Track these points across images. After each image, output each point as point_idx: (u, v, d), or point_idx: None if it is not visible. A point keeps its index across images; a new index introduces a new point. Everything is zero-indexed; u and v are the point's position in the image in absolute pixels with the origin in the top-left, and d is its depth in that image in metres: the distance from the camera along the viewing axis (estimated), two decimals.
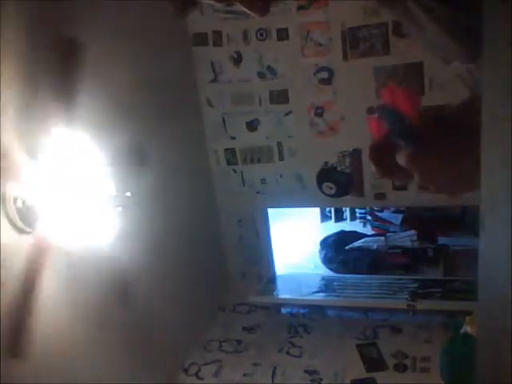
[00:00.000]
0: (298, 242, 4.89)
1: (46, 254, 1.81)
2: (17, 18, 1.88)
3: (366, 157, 3.36)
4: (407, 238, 4.44)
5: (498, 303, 0.52)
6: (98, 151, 1.97)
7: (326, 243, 4.62)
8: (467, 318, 2.67)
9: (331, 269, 4.38)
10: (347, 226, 5.11)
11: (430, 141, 0.68)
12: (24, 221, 1.85)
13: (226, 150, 3.61)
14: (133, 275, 2.58)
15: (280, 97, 3.36)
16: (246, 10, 0.68)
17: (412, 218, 4.66)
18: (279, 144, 3.49)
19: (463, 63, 0.72)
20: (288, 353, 3.31)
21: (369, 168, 3.38)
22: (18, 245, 1.86)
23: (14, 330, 1.75)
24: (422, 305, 3.51)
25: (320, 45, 3.18)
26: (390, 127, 0.69)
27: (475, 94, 0.69)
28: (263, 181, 3.63)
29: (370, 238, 4.61)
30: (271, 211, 3.98)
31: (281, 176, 3.57)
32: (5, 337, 1.74)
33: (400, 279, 3.92)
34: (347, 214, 5.30)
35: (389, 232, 4.71)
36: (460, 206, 4.08)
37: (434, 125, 0.71)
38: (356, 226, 5.08)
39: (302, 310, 3.80)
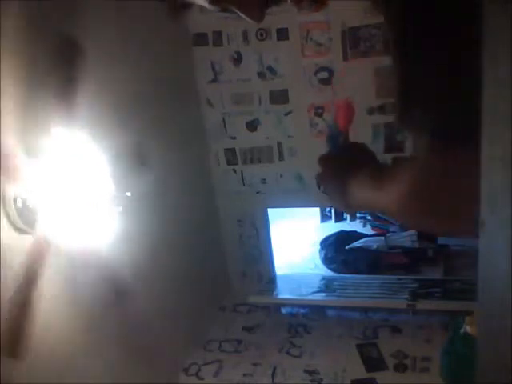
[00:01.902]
0: (298, 241, 4.89)
1: (46, 254, 1.81)
2: (17, 18, 1.88)
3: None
4: (407, 238, 4.44)
5: (498, 303, 0.52)
6: (98, 151, 1.97)
7: (326, 243, 4.62)
8: (467, 318, 2.67)
9: (331, 269, 4.38)
10: (347, 225, 5.11)
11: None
12: (24, 221, 1.85)
13: (226, 149, 3.61)
14: (132, 275, 2.58)
15: (280, 97, 3.36)
16: (242, 16, 0.69)
17: None
18: (279, 144, 3.49)
19: None
20: (288, 353, 3.30)
21: None
22: (18, 245, 1.86)
23: (13, 330, 1.75)
24: (422, 305, 3.51)
25: (320, 45, 3.18)
26: (328, 134, 0.75)
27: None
28: (263, 181, 3.63)
29: (370, 238, 4.61)
30: (271, 211, 3.98)
31: (281, 176, 3.57)
32: (3, 337, 1.73)
33: (400, 279, 3.92)
34: None
35: (389, 232, 4.71)
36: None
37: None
38: (356, 226, 5.08)
39: (301, 310, 3.80)
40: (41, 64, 1.95)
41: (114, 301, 2.30)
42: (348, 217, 5.29)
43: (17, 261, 1.83)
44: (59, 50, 1.80)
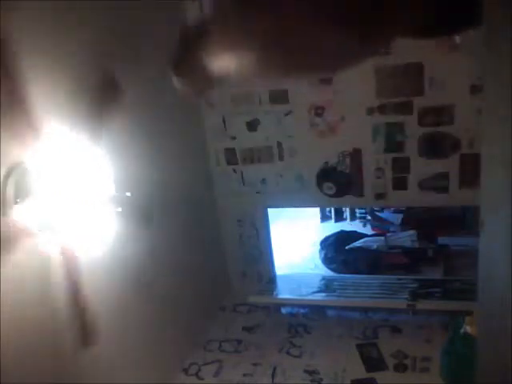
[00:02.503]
0: (298, 241, 4.89)
1: (75, 255, 1.90)
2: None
3: (366, 157, 3.36)
4: (407, 238, 4.44)
5: (498, 303, 0.52)
6: (98, 151, 1.97)
7: (326, 243, 4.62)
8: (467, 318, 2.67)
9: (331, 269, 4.38)
10: (347, 225, 5.11)
11: None
12: (24, 221, 1.85)
13: (226, 149, 3.61)
14: (132, 275, 2.58)
15: (280, 97, 3.36)
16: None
17: (412, 217, 4.65)
18: (279, 144, 3.49)
19: None
20: (288, 353, 3.31)
21: (369, 168, 3.38)
22: (18, 245, 1.85)
23: (83, 324, 1.98)
24: (422, 305, 3.51)
25: None
26: None
27: None
28: (263, 181, 3.63)
29: (370, 238, 4.61)
30: (271, 211, 3.98)
31: (281, 176, 3.57)
32: (79, 332, 1.99)
33: (400, 279, 3.92)
34: (347, 214, 5.30)
35: (389, 232, 4.71)
36: (460, 206, 4.08)
37: None
38: (356, 226, 5.08)
39: (301, 310, 3.80)
40: (41, 63, 1.95)
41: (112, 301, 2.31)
42: (348, 217, 5.29)
43: (17, 260, 1.83)
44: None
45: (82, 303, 1.95)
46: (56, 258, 1.96)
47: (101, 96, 1.88)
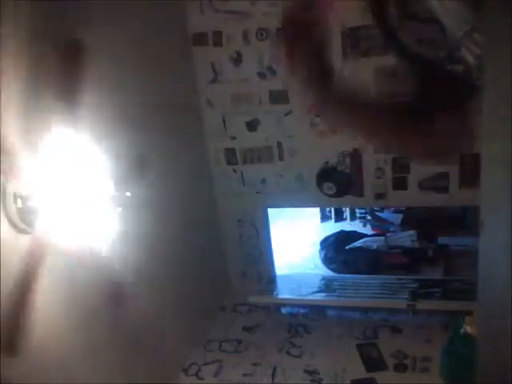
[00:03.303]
0: (298, 241, 4.89)
1: (44, 254, 1.82)
2: (20, 18, 1.88)
3: (366, 157, 3.36)
4: (407, 238, 4.44)
5: (498, 303, 0.52)
6: (98, 151, 1.97)
7: (326, 243, 4.62)
8: (467, 318, 2.67)
9: (331, 269, 4.38)
10: (347, 225, 5.11)
11: None
12: (24, 221, 1.85)
13: (226, 149, 3.61)
14: (132, 275, 2.58)
15: (280, 97, 3.36)
16: None
17: (412, 217, 4.65)
18: (279, 144, 3.49)
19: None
20: (288, 353, 3.31)
21: (369, 168, 3.38)
22: (18, 245, 1.86)
23: (11, 329, 1.75)
24: (422, 305, 3.51)
25: None
26: None
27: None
28: (263, 181, 3.63)
29: (370, 238, 4.61)
30: (271, 211, 3.98)
31: (281, 176, 3.57)
32: (2, 335, 1.74)
33: (400, 279, 3.92)
34: (347, 214, 5.30)
35: (389, 232, 4.71)
36: (460, 206, 4.08)
37: None
38: (356, 226, 5.08)
39: (301, 310, 3.80)
40: (45, 64, 1.95)
41: (113, 301, 2.30)
42: (348, 217, 5.29)
43: (16, 261, 1.83)
44: (64, 49, 1.80)
45: (23, 305, 1.76)
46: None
47: (67, 60, 1.79)
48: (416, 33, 0.80)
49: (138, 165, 2.19)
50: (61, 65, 1.77)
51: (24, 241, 1.86)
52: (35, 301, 1.80)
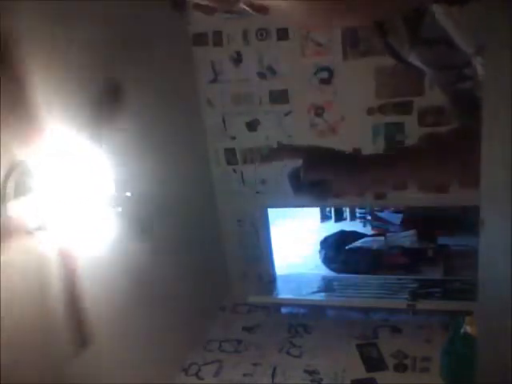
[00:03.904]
0: (298, 242, 4.89)
1: (74, 255, 1.90)
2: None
3: None
4: (407, 238, 4.45)
5: (498, 303, 0.52)
6: (98, 151, 1.97)
7: (326, 243, 4.62)
8: (467, 318, 2.67)
9: (331, 269, 4.38)
10: (347, 225, 5.11)
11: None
12: (25, 221, 1.85)
13: (226, 149, 3.61)
14: (132, 275, 2.58)
15: (280, 97, 3.36)
16: (246, 8, 0.69)
17: (412, 217, 4.66)
18: (279, 144, 3.49)
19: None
20: (288, 353, 3.31)
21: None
22: (19, 245, 1.86)
23: (78, 325, 1.98)
24: (422, 305, 3.51)
25: (320, 45, 3.18)
26: None
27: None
28: (263, 181, 3.63)
29: (370, 238, 4.61)
30: (271, 211, 3.97)
31: (281, 176, 3.57)
32: (73, 332, 1.98)
33: (400, 279, 3.92)
34: (347, 214, 5.30)
35: (389, 232, 4.71)
36: (460, 206, 4.08)
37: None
38: (356, 226, 5.08)
39: (302, 310, 3.80)
40: (40, 63, 1.95)
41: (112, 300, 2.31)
42: (348, 217, 5.29)
43: (17, 260, 1.83)
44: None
45: (78, 304, 1.95)
46: (53, 257, 1.95)
47: (102, 99, 1.89)
48: (425, 55, 0.80)
49: (112, 92, 2.19)
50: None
51: (25, 241, 1.86)
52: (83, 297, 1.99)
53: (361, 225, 5.14)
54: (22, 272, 1.91)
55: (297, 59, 3.24)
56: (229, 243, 3.94)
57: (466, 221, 4.34)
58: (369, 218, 5.11)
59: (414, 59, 0.79)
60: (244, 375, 3.13)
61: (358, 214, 5.26)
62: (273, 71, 3.31)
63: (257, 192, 3.67)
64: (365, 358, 3.18)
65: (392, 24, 0.78)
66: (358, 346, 3.28)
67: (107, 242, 2.07)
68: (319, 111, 3.33)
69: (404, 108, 3.16)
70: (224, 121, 3.53)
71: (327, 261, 4.45)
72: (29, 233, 1.86)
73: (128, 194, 2.10)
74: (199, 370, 3.22)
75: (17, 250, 1.84)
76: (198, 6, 0.66)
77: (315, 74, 3.25)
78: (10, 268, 1.80)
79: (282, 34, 3.21)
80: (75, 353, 2.07)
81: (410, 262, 4.20)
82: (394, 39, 0.78)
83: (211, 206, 3.78)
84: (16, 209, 1.80)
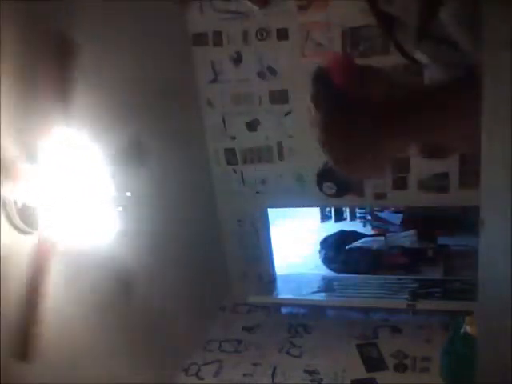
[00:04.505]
0: (298, 241, 4.89)
1: (50, 256, 1.82)
2: (15, 18, 1.88)
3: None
4: (407, 238, 4.45)
5: (498, 303, 0.52)
6: (98, 151, 1.97)
7: (326, 243, 4.62)
8: (467, 318, 2.67)
9: (331, 269, 4.38)
10: (347, 225, 5.11)
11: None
12: (25, 221, 1.85)
13: (226, 149, 3.61)
14: (133, 275, 2.58)
15: (280, 97, 3.36)
16: (246, 1, 0.70)
17: (412, 217, 4.66)
18: (279, 144, 3.49)
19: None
20: (288, 353, 3.30)
21: None
22: (19, 245, 1.86)
23: (23, 333, 1.75)
24: (422, 305, 3.51)
25: (320, 45, 3.18)
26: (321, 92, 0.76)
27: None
28: (263, 181, 3.63)
29: (370, 238, 4.61)
30: (271, 211, 3.97)
31: (281, 176, 3.57)
32: (14, 340, 1.74)
33: (400, 279, 3.92)
34: (347, 214, 5.30)
35: (389, 232, 4.71)
36: (460, 206, 4.08)
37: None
38: (356, 226, 5.08)
39: (302, 310, 3.80)
40: (38, 64, 1.95)
41: (115, 299, 2.30)
42: (348, 217, 5.29)
43: (18, 261, 1.83)
44: (57, 49, 1.80)
45: (34, 311, 1.76)
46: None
47: (60, 60, 1.80)
48: (430, 52, 0.80)
49: (136, 151, 2.19)
50: (52, 64, 1.76)
51: (25, 241, 1.86)
52: (43, 303, 1.80)
53: (361, 225, 5.14)
54: (19, 272, 1.91)
55: (297, 59, 3.24)
56: (229, 243, 3.93)
57: (466, 221, 4.34)
58: (369, 217, 5.11)
59: (419, 55, 0.80)
60: (244, 375, 3.13)
61: (358, 214, 5.25)
62: (273, 71, 3.31)
63: (257, 192, 3.67)
64: (365, 357, 3.18)
65: (401, 20, 0.78)
66: (358, 346, 3.28)
67: (107, 241, 2.07)
68: None
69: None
70: (224, 121, 3.53)
71: (327, 261, 4.45)
72: (29, 233, 1.86)
73: (128, 193, 2.10)
74: (199, 370, 3.22)
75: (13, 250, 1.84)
76: None
77: None
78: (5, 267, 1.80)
79: (282, 34, 3.21)
80: (15, 364, 1.79)
81: (410, 262, 4.20)
82: (401, 35, 0.79)
83: (211, 206, 3.78)
84: (16, 208, 1.81)
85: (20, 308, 1.76)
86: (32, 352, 1.77)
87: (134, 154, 2.16)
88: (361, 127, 0.79)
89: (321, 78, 0.79)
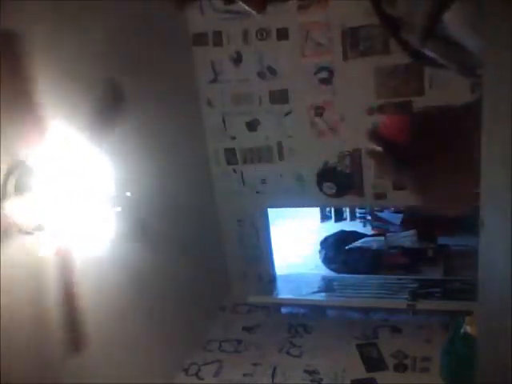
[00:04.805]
0: (298, 241, 4.89)
1: (70, 257, 1.89)
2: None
3: (366, 157, 3.36)
4: (407, 238, 4.44)
5: (498, 303, 0.52)
6: (98, 151, 1.97)
7: (326, 243, 4.62)
8: (467, 318, 2.67)
9: (331, 269, 4.38)
10: (347, 225, 5.11)
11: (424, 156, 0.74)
12: (24, 221, 1.85)
13: (226, 149, 3.61)
14: (132, 275, 2.58)
15: (280, 97, 3.36)
16: (244, 5, 0.70)
17: (412, 217, 4.66)
18: (279, 144, 3.49)
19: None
20: (288, 353, 3.30)
21: (369, 168, 3.38)
22: (19, 245, 1.86)
23: (73, 329, 1.95)
24: (422, 305, 3.51)
25: (320, 45, 3.18)
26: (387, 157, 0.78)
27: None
28: (263, 181, 3.63)
29: (370, 238, 4.61)
30: (271, 211, 3.97)
31: (281, 176, 3.57)
32: (68, 336, 1.98)
33: (400, 279, 3.92)
34: (347, 214, 5.30)
35: (389, 232, 4.71)
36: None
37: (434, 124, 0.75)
38: (356, 226, 5.08)
39: (302, 310, 3.80)
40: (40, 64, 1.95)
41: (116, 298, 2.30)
42: (348, 217, 5.29)
43: (18, 261, 1.83)
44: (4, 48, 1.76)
45: (74, 305, 1.93)
46: (51, 258, 1.94)
47: (102, 99, 1.87)
48: (439, 50, 0.80)
49: (112, 92, 2.18)
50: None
51: (25, 241, 1.86)
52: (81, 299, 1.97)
53: (361, 225, 5.14)
54: (21, 272, 1.91)
55: (297, 59, 3.24)
56: (229, 243, 3.93)
57: (466, 221, 4.34)
58: (369, 217, 5.11)
59: (428, 52, 0.79)
60: (244, 375, 3.13)
61: (358, 214, 5.25)
62: (273, 71, 3.31)
63: (257, 192, 3.67)
64: (365, 358, 3.18)
65: (407, 19, 0.78)
66: (358, 346, 3.28)
67: (107, 242, 2.07)
68: (319, 111, 3.33)
69: (404, 108, 3.16)
70: (224, 121, 3.52)
71: (327, 261, 4.44)
72: (29, 233, 1.86)
73: (128, 193, 2.10)
74: (199, 370, 3.22)
75: (16, 250, 1.84)
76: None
77: (315, 73, 3.24)
78: (9, 268, 1.80)
79: (282, 34, 3.21)
80: (69, 355, 2.05)
81: (410, 262, 4.20)
82: (407, 34, 0.79)
83: (211, 205, 3.78)
84: (16, 208, 1.80)
85: (65, 308, 1.95)
86: (83, 343, 2.03)
87: (109, 101, 2.15)
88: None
89: (379, 139, 0.80)
